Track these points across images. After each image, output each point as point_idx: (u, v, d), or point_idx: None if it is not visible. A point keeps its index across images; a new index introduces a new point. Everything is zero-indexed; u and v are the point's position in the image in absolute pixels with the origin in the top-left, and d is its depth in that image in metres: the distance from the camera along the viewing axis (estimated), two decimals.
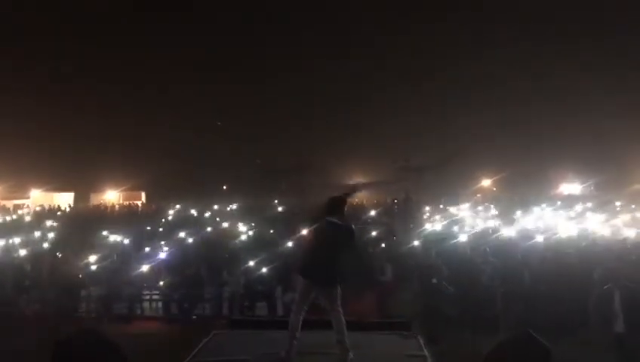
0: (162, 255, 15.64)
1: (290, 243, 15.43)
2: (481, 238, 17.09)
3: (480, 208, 32.71)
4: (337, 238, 6.50)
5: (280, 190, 42.01)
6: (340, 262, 6.53)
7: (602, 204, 30.95)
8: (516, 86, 48.33)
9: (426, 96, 50.35)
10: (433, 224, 22.24)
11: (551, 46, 49.35)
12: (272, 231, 19.96)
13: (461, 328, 11.33)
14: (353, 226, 6.85)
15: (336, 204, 6.70)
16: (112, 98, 50.24)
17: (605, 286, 9.11)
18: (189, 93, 51.79)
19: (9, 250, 17.80)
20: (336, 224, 6.55)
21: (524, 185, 42.32)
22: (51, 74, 48.80)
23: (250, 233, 20.31)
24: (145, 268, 14.59)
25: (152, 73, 52.35)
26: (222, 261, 15.37)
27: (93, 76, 50.50)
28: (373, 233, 18.42)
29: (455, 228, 19.94)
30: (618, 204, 31.93)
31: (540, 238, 16.12)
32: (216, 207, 34.18)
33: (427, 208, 31.06)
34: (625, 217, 25.01)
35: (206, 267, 14.91)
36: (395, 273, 13.50)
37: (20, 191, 44.80)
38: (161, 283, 14.30)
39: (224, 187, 51.17)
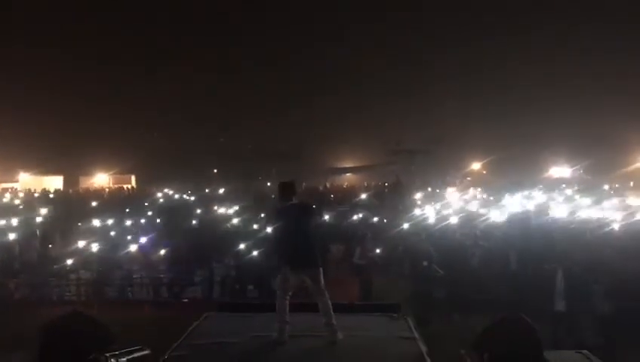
0: (142, 240, 15.60)
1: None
2: (470, 221, 17.19)
3: (470, 191, 32.87)
4: (300, 218, 6.57)
5: (270, 175, 41.96)
6: (315, 242, 6.60)
7: (591, 187, 31.21)
8: (506, 70, 48.31)
9: (416, 81, 50.25)
10: (423, 208, 22.31)
11: (540, 31, 49.33)
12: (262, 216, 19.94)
13: (450, 310, 11.42)
14: (309, 203, 7.14)
15: (287, 188, 6.81)
16: (101, 81, 49.77)
17: (550, 266, 9.27)
18: (179, 78, 51.40)
19: None
20: (294, 205, 6.66)
21: (513, 169, 42.53)
22: (40, 57, 48.24)
23: (241, 217, 20.28)
24: (133, 248, 14.62)
25: (142, 58, 52.02)
26: (212, 245, 15.38)
27: (82, 59, 50.00)
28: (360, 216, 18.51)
29: (445, 212, 20.02)
30: (607, 187, 32.17)
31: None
32: (206, 190, 34.16)
33: (419, 195, 31.09)
34: (614, 200, 25.19)
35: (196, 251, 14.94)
36: (385, 256, 13.56)
37: (8, 174, 44.48)
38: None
39: (214, 171, 51.07)
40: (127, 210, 23.07)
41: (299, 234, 6.47)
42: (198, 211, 23.07)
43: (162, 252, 14.57)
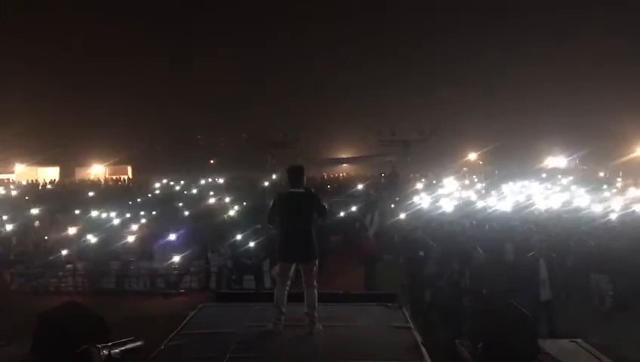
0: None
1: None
2: (464, 210, 17.26)
3: (466, 182, 32.92)
4: (302, 207, 6.38)
5: (267, 164, 41.93)
6: (314, 234, 6.39)
7: (587, 177, 31.28)
8: (502, 61, 48.28)
9: (412, 70, 50.19)
10: (420, 198, 22.32)
11: (537, 21, 49.31)
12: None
13: (446, 300, 11.41)
14: (313, 190, 6.71)
15: (296, 173, 6.51)
16: (97, 71, 49.60)
17: (529, 255, 9.29)
18: (176, 68, 51.29)
19: None
20: (297, 192, 6.43)
21: (509, 159, 42.60)
22: (36, 47, 48.04)
23: (238, 207, 20.28)
24: (131, 238, 14.61)
25: (139, 47, 51.84)
26: (209, 235, 15.39)
27: (78, 49, 49.83)
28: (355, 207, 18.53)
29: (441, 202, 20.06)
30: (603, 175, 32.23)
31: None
32: (202, 181, 34.15)
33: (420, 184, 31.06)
34: (610, 190, 25.24)
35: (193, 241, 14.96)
36: (381, 246, 13.54)
37: (4, 165, 44.33)
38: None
39: (211, 161, 51.05)
40: (130, 202, 23.02)
41: (298, 224, 6.35)
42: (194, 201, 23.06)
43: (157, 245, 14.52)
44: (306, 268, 6.37)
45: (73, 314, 4.87)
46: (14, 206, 22.09)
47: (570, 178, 31.96)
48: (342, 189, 27.65)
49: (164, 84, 51.14)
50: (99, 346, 2.98)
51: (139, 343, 3.07)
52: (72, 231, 16.22)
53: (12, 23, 47.34)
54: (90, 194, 27.30)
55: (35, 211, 20.44)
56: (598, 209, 17.16)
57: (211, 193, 26.62)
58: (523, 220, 15.16)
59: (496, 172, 39.39)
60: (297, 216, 6.38)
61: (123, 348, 2.98)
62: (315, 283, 6.34)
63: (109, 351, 3.01)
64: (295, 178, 6.49)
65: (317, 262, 6.43)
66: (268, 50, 54.91)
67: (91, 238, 14.85)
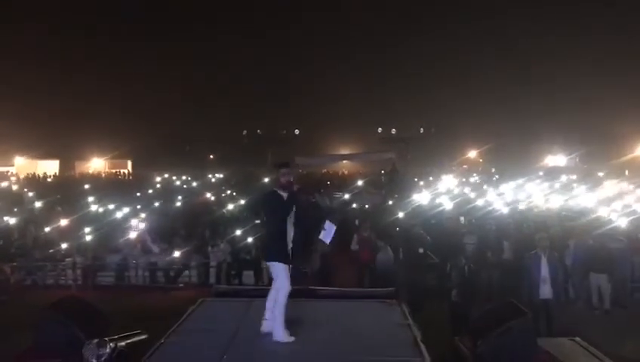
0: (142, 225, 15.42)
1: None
2: (463, 208, 17.29)
3: (464, 180, 32.93)
4: (290, 208, 6.04)
5: (266, 160, 41.93)
6: (277, 234, 5.99)
7: (586, 176, 31.28)
8: (503, 59, 48.27)
9: (413, 68, 50.15)
10: (420, 195, 22.32)
11: (535, 18, 49.25)
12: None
13: (444, 297, 11.44)
14: (296, 188, 6.26)
15: (282, 169, 6.18)
16: (98, 64, 49.55)
17: (532, 252, 9.31)
18: (177, 61, 51.22)
19: None
20: (275, 194, 6.10)
21: (509, 157, 42.59)
22: (36, 39, 47.96)
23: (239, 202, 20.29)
24: (132, 235, 14.62)
25: (140, 41, 51.79)
26: (208, 229, 15.42)
27: (79, 42, 49.75)
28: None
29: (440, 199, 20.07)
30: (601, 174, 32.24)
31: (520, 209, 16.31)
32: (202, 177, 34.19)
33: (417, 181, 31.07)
34: (609, 188, 25.22)
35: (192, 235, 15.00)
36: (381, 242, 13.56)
37: (4, 158, 44.27)
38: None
39: (211, 156, 51.04)
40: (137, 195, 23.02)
41: (274, 227, 6.06)
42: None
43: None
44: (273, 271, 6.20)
45: (74, 307, 4.90)
46: (15, 199, 22.07)
47: (571, 176, 31.96)
48: (342, 185, 27.63)
49: (165, 78, 51.14)
50: (106, 339, 3.00)
51: (144, 336, 3.10)
52: (72, 224, 16.20)
53: (12, 17, 47.28)
54: (90, 187, 27.25)
55: (35, 204, 20.43)
56: (598, 208, 17.15)
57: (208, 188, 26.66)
58: (521, 218, 15.20)
59: (493, 170, 39.44)
60: (271, 217, 6.19)
61: (129, 341, 3.01)
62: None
63: (116, 344, 3.04)
64: (283, 175, 6.16)
65: (279, 265, 6.06)
66: (268, 47, 54.89)
67: (91, 232, 14.85)
